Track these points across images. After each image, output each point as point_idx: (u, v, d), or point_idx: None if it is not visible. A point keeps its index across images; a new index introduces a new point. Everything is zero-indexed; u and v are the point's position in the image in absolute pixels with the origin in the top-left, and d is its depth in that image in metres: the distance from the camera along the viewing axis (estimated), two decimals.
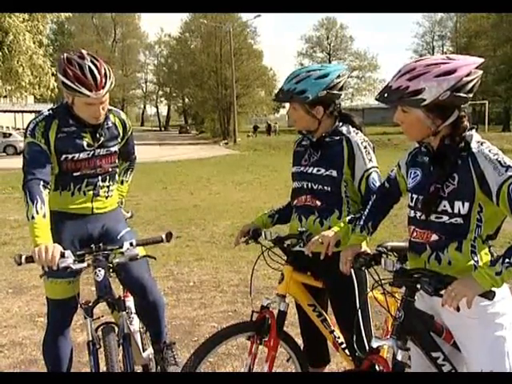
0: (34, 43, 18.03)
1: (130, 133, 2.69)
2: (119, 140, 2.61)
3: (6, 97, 21.56)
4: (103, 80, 2.30)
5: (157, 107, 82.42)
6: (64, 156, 2.42)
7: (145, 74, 76.59)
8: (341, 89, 2.36)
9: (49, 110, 2.46)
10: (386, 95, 1.82)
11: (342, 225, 2.26)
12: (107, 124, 2.52)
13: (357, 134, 2.38)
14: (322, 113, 2.35)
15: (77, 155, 2.44)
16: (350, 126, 2.40)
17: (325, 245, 2.20)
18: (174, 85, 63.27)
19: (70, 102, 2.38)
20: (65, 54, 2.36)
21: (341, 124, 2.41)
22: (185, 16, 55.49)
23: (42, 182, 2.27)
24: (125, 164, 2.86)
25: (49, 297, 2.56)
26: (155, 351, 2.71)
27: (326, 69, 2.34)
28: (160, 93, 74.78)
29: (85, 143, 2.45)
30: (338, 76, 2.33)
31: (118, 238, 2.53)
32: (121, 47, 70.07)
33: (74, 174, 2.47)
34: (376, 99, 1.88)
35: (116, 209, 2.68)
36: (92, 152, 2.47)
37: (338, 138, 2.37)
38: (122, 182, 2.86)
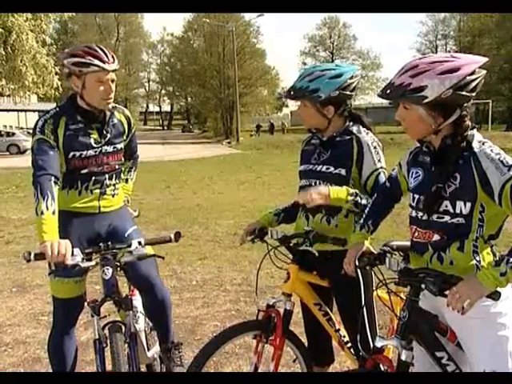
0: (37, 42, 18.05)
1: (133, 130, 2.71)
2: (124, 137, 2.63)
3: (9, 96, 21.58)
4: (112, 56, 2.38)
5: (160, 106, 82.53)
6: (72, 153, 2.43)
7: (148, 73, 76.77)
8: (353, 89, 2.36)
9: (56, 108, 2.47)
10: (388, 91, 1.82)
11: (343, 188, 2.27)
12: (113, 121, 2.54)
13: (367, 133, 2.38)
14: (333, 112, 2.35)
15: (84, 152, 2.45)
16: (361, 126, 2.40)
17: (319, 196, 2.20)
18: (176, 84, 63.33)
19: (79, 88, 2.38)
20: (66, 50, 2.43)
21: (351, 124, 2.41)
22: (187, 15, 55.57)
23: (53, 178, 2.25)
24: (128, 163, 2.85)
25: (55, 296, 2.56)
26: (162, 350, 2.71)
27: (339, 69, 2.33)
28: (163, 92, 74.85)
29: (92, 140, 2.46)
30: (352, 77, 2.33)
31: (126, 236, 2.53)
32: (124, 46, 70.06)
33: (82, 172, 2.47)
34: (378, 95, 1.88)
35: (122, 207, 2.69)
36: (99, 149, 2.49)
37: (348, 137, 2.37)
38: (126, 181, 2.87)
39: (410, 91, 1.75)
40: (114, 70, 2.39)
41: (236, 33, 40.48)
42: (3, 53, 17.38)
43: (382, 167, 2.34)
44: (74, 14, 24.39)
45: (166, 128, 75.95)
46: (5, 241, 7.20)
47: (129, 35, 70.47)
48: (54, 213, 2.17)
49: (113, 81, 2.41)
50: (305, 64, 62.10)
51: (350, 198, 2.24)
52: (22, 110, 36.64)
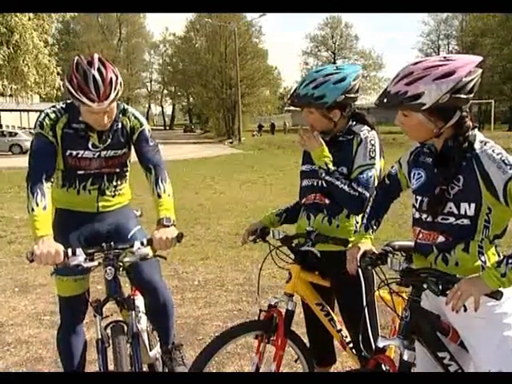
0: (39, 41, 18.10)
1: (138, 133, 2.50)
2: (126, 143, 2.54)
3: (11, 96, 21.65)
4: (107, 91, 2.23)
5: (162, 106, 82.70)
6: (68, 152, 2.43)
7: (150, 73, 76.88)
8: (357, 91, 2.35)
9: (63, 104, 2.44)
10: (385, 100, 1.81)
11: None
12: (117, 125, 2.48)
13: (369, 132, 2.37)
14: (339, 116, 2.34)
15: (81, 152, 2.43)
16: (365, 126, 2.39)
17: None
18: (178, 84, 63.34)
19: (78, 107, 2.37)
20: (76, 58, 2.30)
21: (354, 123, 2.40)
22: (190, 15, 55.57)
23: (44, 175, 2.28)
24: (149, 175, 2.49)
25: (58, 294, 2.58)
26: (163, 352, 2.72)
27: (342, 72, 2.31)
28: (165, 92, 74.95)
29: (90, 143, 2.44)
30: (355, 78, 2.32)
31: (129, 236, 2.53)
32: (126, 46, 70.17)
33: (78, 173, 2.47)
34: (376, 104, 1.87)
35: (125, 207, 2.66)
36: (98, 153, 2.46)
37: (350, 136, 2.36)
38: (158, 196, 2.42)
39: (407, 99, 1.75)
40: (111, 102, 2.26)
41: (238, 33, 40.47)
42: (6, 52, 17.42)
43: (372, 164, 2.30)
44: (76, 14, 24.38)
45: (168, 128, 76.00)
46: (7, 241, 7.21)
47: (131, 35, 70.50)
48: (44, 208, 2.21)
49: (107, 111, 2.30)
50: (307, 64, 62.17)
51: (328, 165, 2.30)
52: (24, 110, 36.75)
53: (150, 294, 2.59)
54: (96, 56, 2.30)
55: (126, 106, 2.54)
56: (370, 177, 2.28)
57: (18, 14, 16.62)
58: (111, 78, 2.25)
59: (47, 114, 2.40)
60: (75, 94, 2.23)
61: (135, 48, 71.03)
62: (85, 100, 2.22)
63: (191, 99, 63.72)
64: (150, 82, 77.08)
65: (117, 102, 2.40)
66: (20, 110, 37.17)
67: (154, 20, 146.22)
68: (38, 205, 2.20)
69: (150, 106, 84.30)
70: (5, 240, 7.25)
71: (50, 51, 19.35)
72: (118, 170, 2.56)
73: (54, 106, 2.46)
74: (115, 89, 2.26)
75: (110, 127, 2.44)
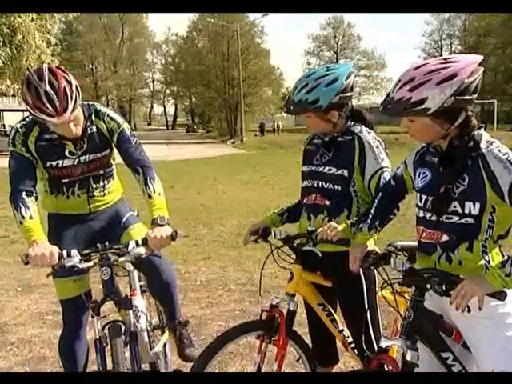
0: (42, 41, 18.13)
1: (118, 133, 2.44)
2: (106, 145, 2.48)
3: (14, 96, 21.68)
4: (64, 103, 2.14)
5: (164, 106, 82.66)
6: (48, 163, 2.41)
7: (152, 73, 76.79)
8: (352, 89, 2.34)
9: (31, 115, 2.30)
10: (389, 107, 1.81)
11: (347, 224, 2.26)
12: (91, 129, 2.41)
13: (369, 133, 2.37)
14: (337, 116, 2.34)
15: (60, 162, 2.41)
16: (363, 126, 2.39)
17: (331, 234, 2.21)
18: (181, 84, 63.32)
19: None
20: (27, 74, 2.21)
21: (353, 123, 2.40)
22: (192, 15, 55.56)
23: (24, 193, 2.31)
24: (138, 176, 2.45)
25: (58, 297, 2.58)
26: (169, 327, 2.72)
27: (334, 72, 2.29)
28: (167, 92, 74.94)
29: (67, 151, 2.40)
30: (347, 77, 2.30)
31: (122, 223, 2.55)
32: (128, 46, 70.12)
33: (63, 181, 2.47)
34: (380, 111, 1.86)
35: (118, 201, 2.65)
36: (77, 160, 2.42)
37: (350, 137, 2.36)
38: (149, 197, 2.41)
39: (411, 105, 1.74)
40: (72, 111, 2.17)
41: (240, 33, 40.46)
42: (9, 53, 17.46)
43: (385, 166, 2.32)
44: (78, 14, 24.42)
45: (170, 128, 76.06)
46: (10, 240, 7.24)
47: (133, 35, 70.47)
48: (31, 217, 2.26)
49: (72, 121, 2.23)
50: (309, 64, 62.10)
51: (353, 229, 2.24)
52: (26, 110, 36.74)
53: (150, 270, 2.55)
54: (45, 67, 2.20)
55: (98, 108, 2.45)
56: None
57: (20, 14, 16.64)
58: (65, 88, 2.16)
59: (17, 130, 2.36)
60: (33, 113, 2.18)
61: (138, 48, 70.98)
62: (44, 117, 2.17)
63: (193, 99, 63.63)
64: (153, 81, 77.11)
65: (83, 107, 2.35)
66: (22, 110, 37.11)
67: (156, 20, 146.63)
68: (23, 217, 2.25)
69: (152, 106, 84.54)
70: (8, 240, 7.28)
71: (52, 51, 19.36)
72: (102, 172, 2.54)
73: (24, 119, 2.40)
74: (72, 98, 2.17)
75: (83, 132, 2.38)
